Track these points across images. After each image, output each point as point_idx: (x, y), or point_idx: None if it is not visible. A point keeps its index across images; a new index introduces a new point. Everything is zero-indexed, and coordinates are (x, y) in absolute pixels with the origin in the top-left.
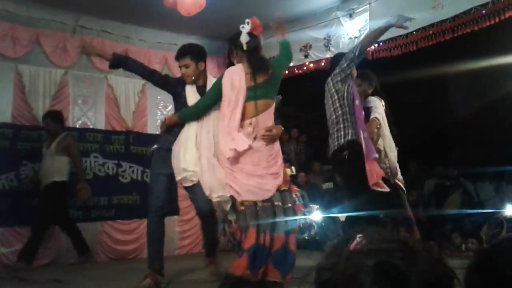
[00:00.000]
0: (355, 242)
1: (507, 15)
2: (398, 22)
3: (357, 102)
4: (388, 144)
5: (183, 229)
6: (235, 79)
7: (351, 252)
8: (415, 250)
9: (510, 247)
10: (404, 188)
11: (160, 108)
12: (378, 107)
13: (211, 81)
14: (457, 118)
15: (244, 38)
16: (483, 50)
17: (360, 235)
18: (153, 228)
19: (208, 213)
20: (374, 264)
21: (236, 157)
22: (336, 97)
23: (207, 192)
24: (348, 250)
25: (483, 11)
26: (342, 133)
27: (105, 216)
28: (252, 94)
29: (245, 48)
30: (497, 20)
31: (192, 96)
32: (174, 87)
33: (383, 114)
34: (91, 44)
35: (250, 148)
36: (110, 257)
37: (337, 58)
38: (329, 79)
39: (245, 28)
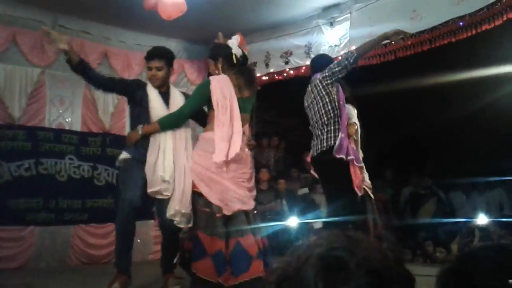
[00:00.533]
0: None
1: (483, 28)
2: (394, 37)
3: (343, 106)
4: (359, 149)
5: (158, 234)
6: (225, 89)
7: (302, 248)
8: (357, 241)
9: (484, 256)
10: (371, 195)
11: None
12: (354, 114)
13: (173, 90)
14: (432, 128)
15: (237, 52)
16: (460, 62)
17: (315, 237)
18: (126, 223)
19: (175, 229)
20: (316, 255)
21: (227, 164)
22: (327, 99)
23: (176, 206)
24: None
25: (460, 23)
26: (332, 134)
27: (78, 219)
28: (240, 106)
29: (235, 61)
30: (473, 32)
31: (156, 100)
32: (135, 90)
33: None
34: (59, 34)
35: (241, 156)
36: (82, 261)
37: (320, 61)
38: (318, 81)
39: (235, 42)
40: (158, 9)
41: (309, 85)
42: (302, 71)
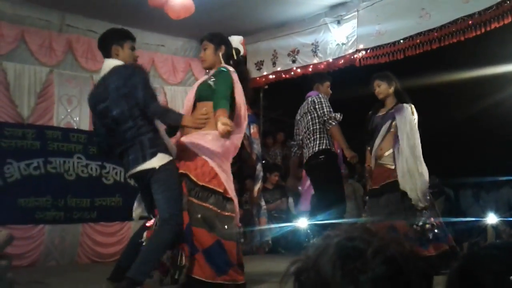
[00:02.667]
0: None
1: (492, 26)
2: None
3: None
4: None
5: None
6: (237, 82)
7: (319, 240)
8: (373, 232)
9: (491, 254)
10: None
11: None
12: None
13: None
14: (441, 126)
15: (239, 48)
16: (469, 61)
17: (333, 229)
18: (171, 242)
19: None
20: (333, 245)
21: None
22: (315, 114)
23: None
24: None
25: (470, 22)
26: (317, 142)
27: (87, 217)
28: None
29: (235, 56)
30: (483, 30)
31: None
32: None
33: None
34: None
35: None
36: (91, 259)
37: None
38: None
39: (236, 39)
40: (167, 9)
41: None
42: (310, 69)
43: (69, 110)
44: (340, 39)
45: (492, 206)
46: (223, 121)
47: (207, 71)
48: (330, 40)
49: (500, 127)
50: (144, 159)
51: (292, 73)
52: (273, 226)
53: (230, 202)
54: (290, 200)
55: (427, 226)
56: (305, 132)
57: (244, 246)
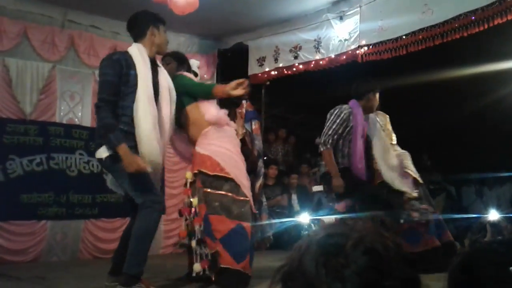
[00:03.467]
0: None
1: (496, 22)
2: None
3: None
4: None
5: (168, 228)
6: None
7: (301, 240)
8: (351, 225)
9: (492, 250)
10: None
11: None
12: None
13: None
14: (443, 123)
15: (197, 71)
16: (472, 57)
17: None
18: (156, 225)
19: None
20: (314, 243)
21: None
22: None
23: None
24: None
25: (473, 17)
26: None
27: (89, 214)
28: None
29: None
30: (485, 26)
31: None
32: None
33: None
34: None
35: None
36: (93, 255)
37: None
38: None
39: (195, 64)
40: (171, 4)
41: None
42: (312, 65)
43: (71, 106)
44: (343, 35)
45: (494, 203)
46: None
47: None
48: (333, 36)
49: (503, 124)
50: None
51: (294, 69)
52: (274, 221)
53: (241, 188)
54: (294, 196)
55: (416, 217)
56: None
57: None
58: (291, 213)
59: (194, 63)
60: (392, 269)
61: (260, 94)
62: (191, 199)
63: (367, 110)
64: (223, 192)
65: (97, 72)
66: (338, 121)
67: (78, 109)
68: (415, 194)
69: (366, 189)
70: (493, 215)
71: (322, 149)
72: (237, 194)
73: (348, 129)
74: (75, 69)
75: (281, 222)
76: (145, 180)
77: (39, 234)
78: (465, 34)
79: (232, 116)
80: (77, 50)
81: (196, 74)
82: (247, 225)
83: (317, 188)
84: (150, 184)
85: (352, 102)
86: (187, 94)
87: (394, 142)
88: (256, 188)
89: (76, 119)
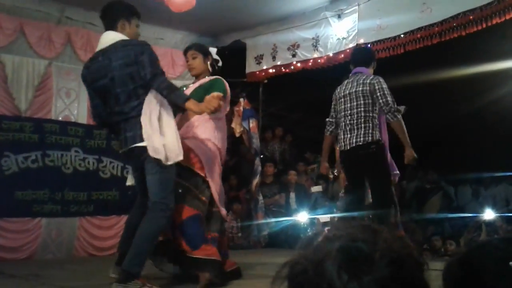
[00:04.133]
0: (323, 234)
1: (494, 21)
2: None
3: None
4: None
5: None
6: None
7: (319, 242)
8: (376, 231)
9: (493, 247)
10: None
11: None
12: None
13: None
14: (440, 122)
15: (218, 58)
16: (469, 56)
17: (332, 229)
18: (163, 229)
19: None
20: (337, 248)
21: None
22: (369, 100)
23: None
24: (317, 241)
25: (471, 17)
26: (368, 131)
27: (84, 211)
28: None
29: (216, 67)
30: (484, 25)
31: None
32: None
33: None
34: None
35: None
36: (88, 252)
37: (365, 54)
38: (372, 80)
39: (214, 51)
40: (168, 2)
41: (352, 77)
42: (310, 64)
43: (67, 103)
44: (341, 33)
45: (490, 202)
46: (214, 95)
47: (195, 78)
48: (331, 35)
49: (500, 123)
50: (142, 139)
51: (292, 67)
52: (270, 220)
53: (207, 186)
54: (292, 195)
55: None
56: (349, 114)
57: (242, 240)
58: (288, 211)
59: (213, 50)
60: (414, 280)
61: (257, 92)
62: None
63: None
64: (187, 185)
65: None
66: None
67: (74, 106)
68: None
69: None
70: (489, 214)
71: (398, 117)
72: (201, 192)
73: None
74: (71, 66)
75: (277, 221)
76: (170, 182)
77: (34, 231)
78: (463, 33)
79: (230, 114)
80: (73, 47)
81: (217, 61)
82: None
83: (316, 188)
84: (172, 187)
85: (365, 70)
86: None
87: None
88: (252, 186)
89: (72, 116)
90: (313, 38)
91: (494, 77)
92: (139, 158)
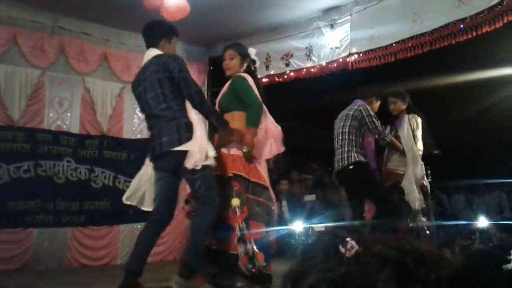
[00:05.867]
0: (348, 245)
1: (484, 30)
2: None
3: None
4: None
5: None
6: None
7: (359, 256)
8: (421, 250)
9: (493, 254)
10: None
11: (137, 113)
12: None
13: None
14: (432, 130)
15: (256, 59)
16: (461, 64)
17: (349, 238)
18: (213, 219)
19: None
20: (393, 269)
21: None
22: (357, 124)
23: None
24: (346, 255)
25: (461, 25)
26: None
27: (76, 221)
28: None
29: (253, 68)
30: (474, 34)
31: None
32: None
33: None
34: None
35: None
36: (80, 263)
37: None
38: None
39: (253, 52)
40: (162, 10)
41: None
42: (303, 73)
43: (60, 113)
44: (334, 43)
45: (483, 210)
46: (246, 148)
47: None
48: (324, 44)
49: (493, 131)
50: (180, 142)
51: (286, 76)
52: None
53: (268, 192)
54: (284, 203)
55: (420, 227)
56: (336, 136)
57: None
58: (281, 221)
59: (252, 51)
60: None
61: None
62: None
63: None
64: (261, 200)
65: (86, 78)
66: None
67: (67, 116)
68: (422, 207)
69: (381, 190)
70: (482, 222)
71: (388, 140)
72: (269, 201)
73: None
74: (64, 76)
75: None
76: (213, 180)
77: (25, 242)
78: (453, 42)
79: None
80: (66, 57)
81: (254, 62)
82: (272, 232)
83: (310, 197)
84: (215, 185)
85: (361, 101)
86: (239, 97)
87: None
88: None
89: (65, 126)
90: (306, 48)
91: (487, 85)
92: (175, 161)
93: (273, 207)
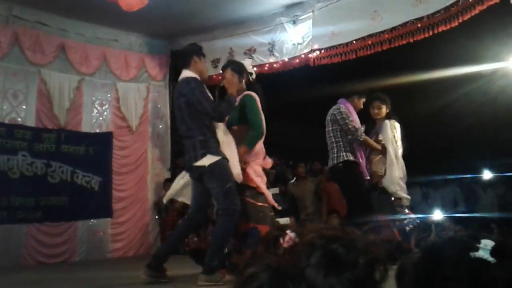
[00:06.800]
0: (287, 237)
1: (440, 29)
2: None
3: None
4: None
5: (116, 232)
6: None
7: (291, 248)
8: (350, 234)
9: (452, 238)
10: None
11: (96, 106)
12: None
13: None
14: None
15: (252, 71)
16: (417, 63)
17: (289, 230)
18: (233, 228)
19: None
20: (321, 254)
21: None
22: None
23: None
24: (284, 247)
25: (419, 24)
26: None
27: (32, 217)
28: None
29: (251, 79)
30: (431, 33)
31: None
32: None
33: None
34: None
35: None
36: (37, 260)
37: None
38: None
39: (248, 63)
40: (120, 0)
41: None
42: (266, 68)
43: (14, 105)
44: (296, 39)
45: (439, 204)
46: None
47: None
48: (286, 40)
49: (449, 128)
50: (196, 159)
51: None
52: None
53: (262, 195)
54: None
55: (408, 221)
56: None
57: (198, 244)
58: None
59: (247, 63)
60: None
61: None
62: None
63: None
64: (247, 199)
65: (42, 70)
66: (349, 115)
67: (22, 108)
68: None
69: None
70: (438, 215)
71: (361, 139)
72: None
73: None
74: (19, 67)
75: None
76: (232, 190)
77: None
78: (411, 40)
79: None
80: (21, 47)
81: (251, 74)
82: (262, 227)
83: (274, 190)
84: (235, 194)
85: (342, 101)
86: (243, 113)
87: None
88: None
89: (19, 119)
90: (269, 43)
91: (444, 84)
92: (198, 174)
93: (260, 204)
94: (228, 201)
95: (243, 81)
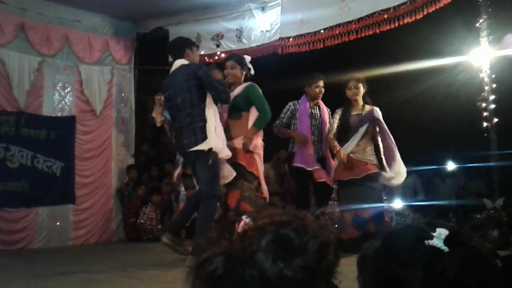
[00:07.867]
0: (242, 222)
1: (405, 21)
2: None
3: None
4: None
5: (78, 219)
6: None
7: (243, 233)
8: (303, 219)
9: (407, 233)
10: None
11: (58, 89)
12: None
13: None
14: None
15: (251, 67)
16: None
17: (245, 215)
18: (216, 211)
19: None
20: (271, 239)
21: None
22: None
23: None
24: (238, 232)
25: (385, 16)
26: None
27: None
28: None
29: (249, 74)
30: (396, 24)
31: None
32: None
33: None
34: None
35: None
36: None
37: None
38: None
39: (248, 59)
40: None
41: None
42: None
43: None
44: (264, 26)
45: (399, 192)
46: (244, 140)
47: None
48: (254, 27)
49: (412, 120)
50: (197, 143)
51: (216, 57)
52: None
53: (260, 186)
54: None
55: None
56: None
57: (162, 232)
58: None
59: (247, 58)
60: (336, 264)
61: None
62: None
63: (311, 98)
64: (252, 186)
65: (1, 50)
66: (284, 110)
67: None
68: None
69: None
70: (397, 204)
71: (275, 131)
72: (258, 191)
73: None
74: None
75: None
76: (218, 178)
77: None
78: (378, 31)
79: (151, 103)
80: None
81: (249, 69)
82: None
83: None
84: (218, 182)
85: (302, 97)
86: (249, 102)
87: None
88: (174, 177)
89: None
90: (237, 29)
91: (409, 76)
92: (194, 159)
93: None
94: (213, 186)
95: (244, 73)
